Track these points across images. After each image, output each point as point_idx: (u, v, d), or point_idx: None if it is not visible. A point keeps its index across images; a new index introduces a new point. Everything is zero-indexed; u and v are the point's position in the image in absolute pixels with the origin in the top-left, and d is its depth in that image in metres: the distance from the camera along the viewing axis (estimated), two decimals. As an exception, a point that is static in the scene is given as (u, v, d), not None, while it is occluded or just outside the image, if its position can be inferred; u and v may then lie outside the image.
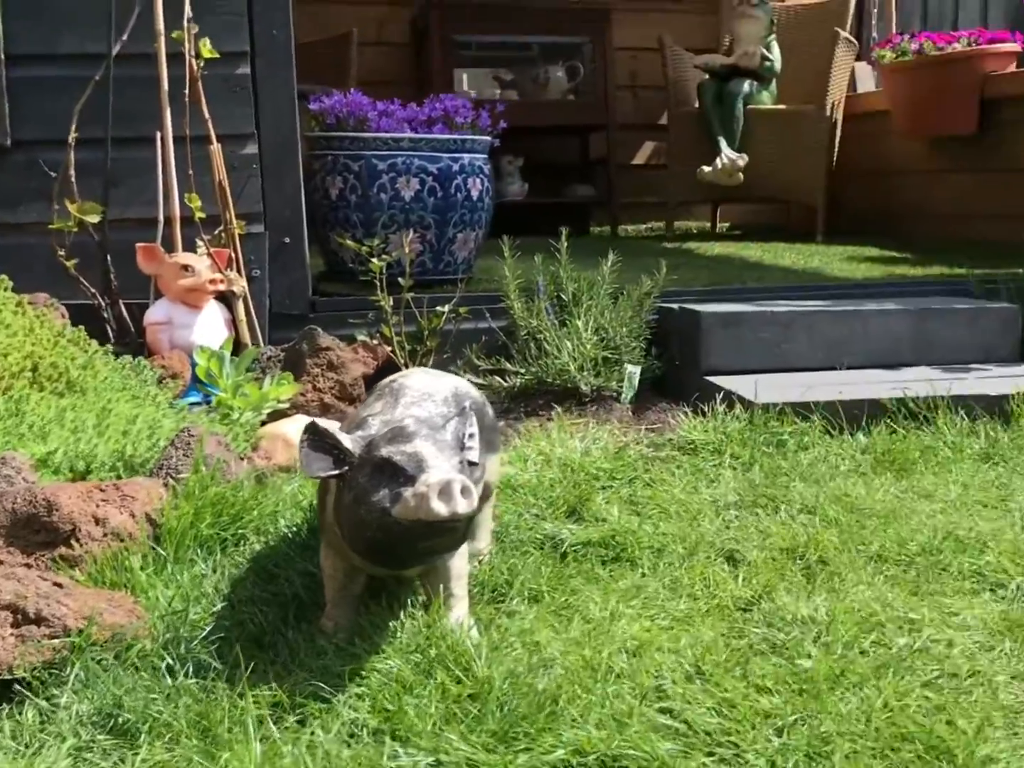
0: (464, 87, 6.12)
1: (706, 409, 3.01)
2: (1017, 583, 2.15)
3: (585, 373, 3.17)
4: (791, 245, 5.46)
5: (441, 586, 1.88)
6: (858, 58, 6.56)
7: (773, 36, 6.00)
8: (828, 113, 5.86)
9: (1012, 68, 5.61)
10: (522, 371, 3.22)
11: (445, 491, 1.64)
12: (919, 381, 3.17)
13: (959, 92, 5.59)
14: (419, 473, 1.67)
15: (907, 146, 6.15)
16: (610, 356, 3.24)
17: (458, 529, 1.72)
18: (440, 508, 1.63)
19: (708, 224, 6.68)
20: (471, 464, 1.80)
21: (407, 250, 3.21)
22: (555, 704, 1.66)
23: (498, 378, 3.25)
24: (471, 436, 1.82)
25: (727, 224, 6.85)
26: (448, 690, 1.69)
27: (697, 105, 5.94)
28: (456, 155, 3.63)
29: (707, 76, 5.95)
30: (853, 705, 1.72)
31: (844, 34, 5.89)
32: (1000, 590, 2.14)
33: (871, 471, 2.78)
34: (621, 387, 3.20)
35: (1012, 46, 5.61)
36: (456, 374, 3.21)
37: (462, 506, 1.64)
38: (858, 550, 2.29)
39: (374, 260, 3.09)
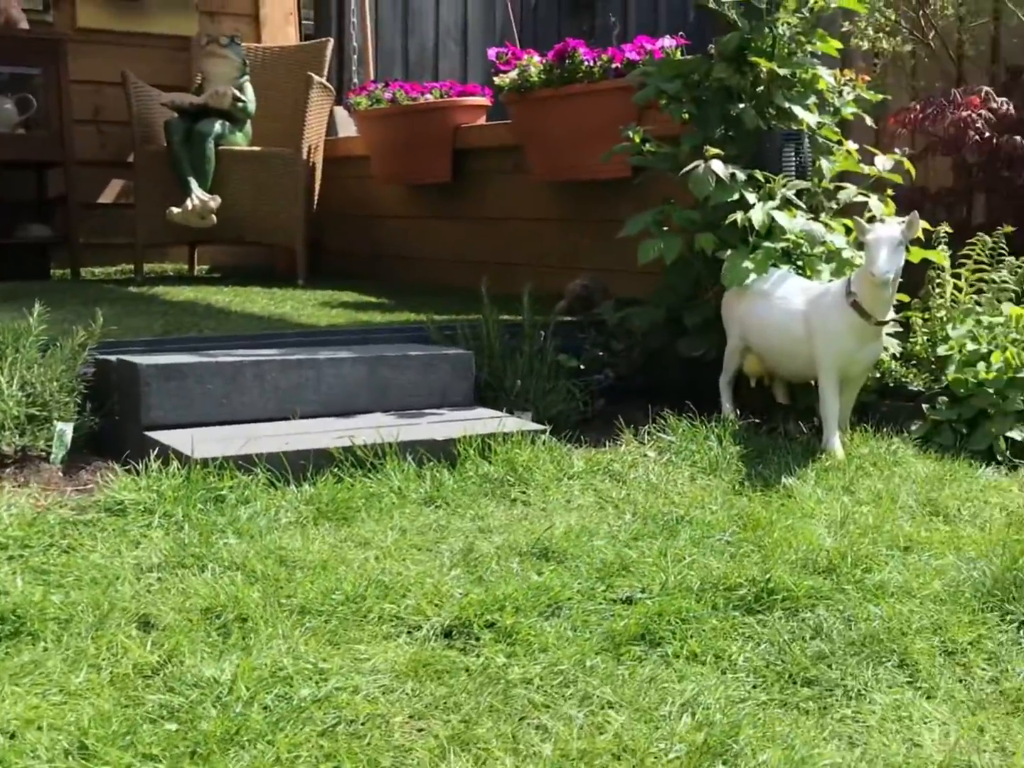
0: None
1: (141, 467, 2.99)
2: (432, 623, 2.32)
3: (7, 433, 3.06)
4: (268, 289, 5.57)
5: None
6: (339, 102, 6.85)
7: (247, 77, 6.13)
8: (305, 156, 6.06)
9: (481, 121, 6.10)
10: (-70, 433, 3.05)
11: None
12: (369, 428, 3.34)
13: (433, 142, 5.99)
14: None
15: (388, 191, 6.50)
16: (38, 413, 3.14)
17: None
18: None
19: (186, 267, 6.67)
20: None
21: None
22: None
23: (-98, 443, 3.06)
24: None
25: (207, 266, 6.88)
26: None
27: (166, 144, 5.93)
28: None
29: (176, 115, 5.96)
30: (245, 762, 1.79)
31: (318, 79, 6.13)
32: (416, 632, 2.30)
33: (312, 522, 2.88)
34: (51, 446, 3.11)
35: (481, 99, 6.10)
36: None
37: None
38: (281, 604, 2.37)
39: None
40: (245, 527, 2.78)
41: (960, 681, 2.18)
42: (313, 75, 6.07)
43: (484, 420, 3.58)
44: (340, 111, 6.87)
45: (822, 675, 2.16)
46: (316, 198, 6.33)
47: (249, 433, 3.23)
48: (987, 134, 4.56)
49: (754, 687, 2.13)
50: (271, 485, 3.04)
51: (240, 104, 6.03)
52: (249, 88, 6.11)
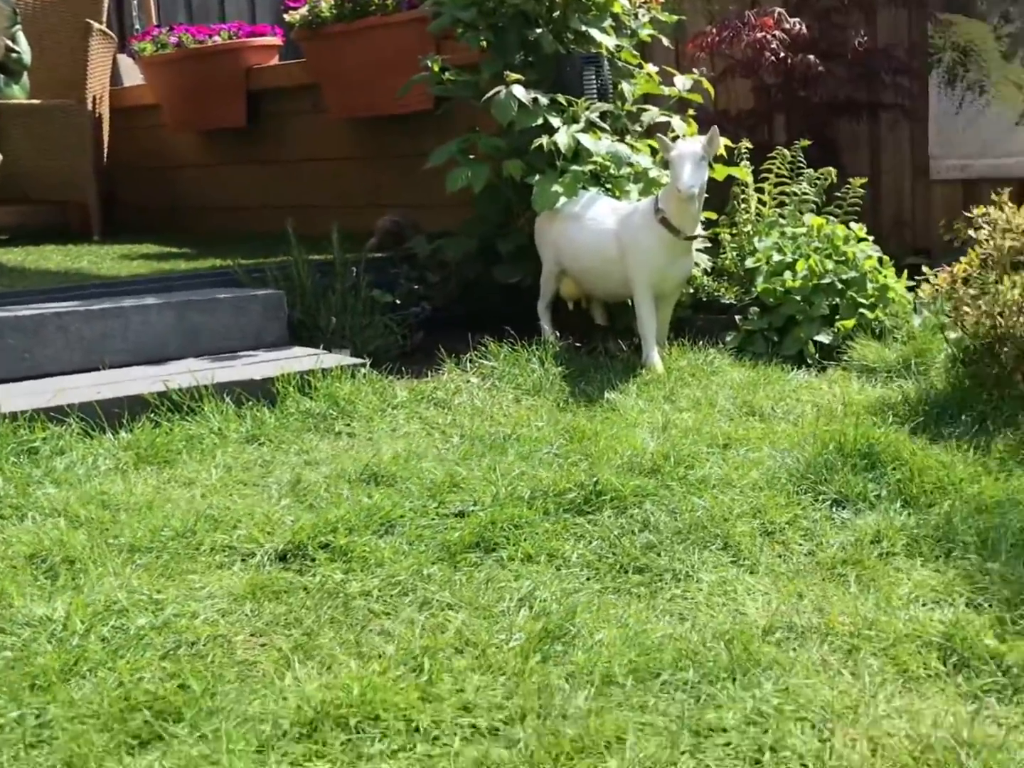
0: None
1: (-56, 426, 2.96)
2: (266, 549, 2.39)
3: None
4: (62, 247, 5.47)
5: None
6: (122, 50, 6.71)
7: (19, 27, 5.95)
8: (90, 107, 5.95)
9: (274, 61, 6.07)
10: None
11: None
12: (183, 373, 3.36)
13: (225, 85, 5.94)
14: None
15: (182, 140, 6.43)
16: None
17: None
18: None
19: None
20: None
21: None
22: None
23: None
24: None
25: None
26: None
27: (-63, 101, 5.74)
28: None
29: (-51, 69, 5.78)
30: (88, 689, 1.83)
31: (97, 26, 6.01)
32: (250, 559, 2.36)
33: (133, 467, 2.90)
34: None
35: (273, 39, 6.07)
36: None
37: None
38: (109, 544, 2.40)
39: None
40: (63, 476, 2.79)
41: (779, 556, 2.35)
42: (92, 22, 5.94)
43: (301, 358, 3.63)
44: (124, 59, 6.73)
45: (652, 563, 2.31)
46: (106, 150, 6.23)
47: (57, 385, 3.21)
48: (782, 54, 4.78)
49: (588, 579, 2.26)
50: (86, 435, 3.04)
51: (14, 55, 5.86)
52: (23, 38, 5.94)
